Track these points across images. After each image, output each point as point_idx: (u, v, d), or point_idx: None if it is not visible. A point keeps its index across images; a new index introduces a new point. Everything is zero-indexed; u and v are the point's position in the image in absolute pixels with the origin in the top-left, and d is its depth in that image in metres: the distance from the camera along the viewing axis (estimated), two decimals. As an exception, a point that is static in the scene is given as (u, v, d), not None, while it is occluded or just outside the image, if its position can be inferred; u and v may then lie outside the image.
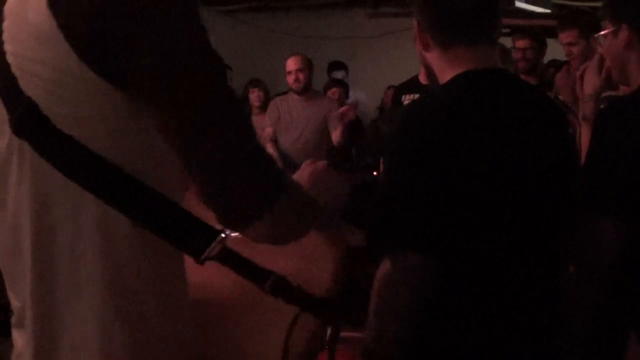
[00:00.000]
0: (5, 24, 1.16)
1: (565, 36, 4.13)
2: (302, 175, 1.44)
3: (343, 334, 2.74)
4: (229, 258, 1.22)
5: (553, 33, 6.29)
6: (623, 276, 2.01)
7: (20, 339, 1.25)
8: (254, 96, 6.30)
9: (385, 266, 1.73)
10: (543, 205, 1.84)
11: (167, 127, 1.09)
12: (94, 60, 1.05)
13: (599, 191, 1.98)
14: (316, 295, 1.33)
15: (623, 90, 2.61)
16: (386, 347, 1.78)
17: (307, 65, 5.51)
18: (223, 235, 1.19)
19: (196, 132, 1.08)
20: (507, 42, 4.79)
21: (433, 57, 1.86)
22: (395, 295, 1.72)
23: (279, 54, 7.68)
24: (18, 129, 1.12)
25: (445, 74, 1.82)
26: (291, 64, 5.45)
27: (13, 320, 1.28)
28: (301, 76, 5.43)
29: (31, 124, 1.10)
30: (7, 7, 1.18)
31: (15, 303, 1.24)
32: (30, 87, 1.10)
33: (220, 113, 1.09)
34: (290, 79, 5.44)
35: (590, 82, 2.74)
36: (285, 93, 6.54)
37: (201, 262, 1.20)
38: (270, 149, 5.56)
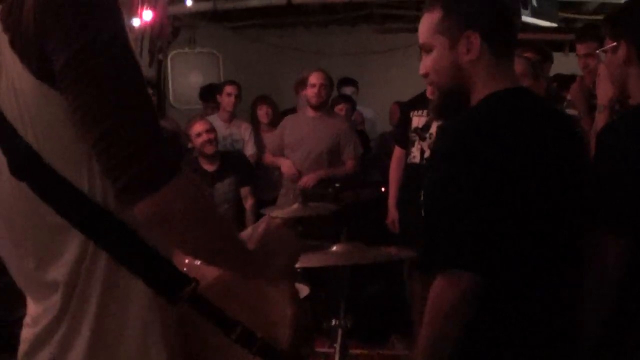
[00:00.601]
0: None
1: (584, 48, 4.13)
2: (256, 228, 1.49)
3: (352, 350, 2.74)
4: (199, 303, 1.32)
5: (559, 47, 6.31)
6: (627, 293, 2.01)
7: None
8: (262, 112, 6.31)
9: (437, 287, 1.73)
10: (577, 225, 1.90)
11: (79, 110, 1.18)
12: (32, 64, 1.20)
13: (600, 206, 1.99)
14: (278, 348, 1.37)
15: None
16: None
17: (330, 83, 5.54)
18: (194, 283, 1.30)
19: (102, 111, 1.17)
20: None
21: (479, 69, 1.85)
22: (446, 316, 1.72)
23: (285, 70, 7.74)
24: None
25: (488, 86, 1.85)
26: (316, 78, 5.42)
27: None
28: (324, 92, 5.43)
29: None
30: None
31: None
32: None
33: (124, 99, 1.18)
34: (312, 92, 5.41)
35: (603, 93, 2.76)
36: (292, 109, 6.56)
37: (174, 306, 1.31)
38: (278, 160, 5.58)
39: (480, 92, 1.86)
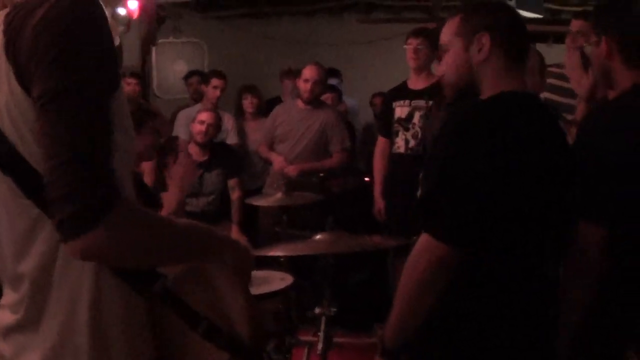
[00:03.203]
0: None
1: (578, 25, 4.10)
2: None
3: (336, 339, 2.76)
4: (169, 299, 1.36)
5: (543, 38, 6.34)
6: (610, 281, 2.06)
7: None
8: (248, 102, 6.30)
9: (418, 246, 1.84)
10: (563, 212, 1.97)
11: (40, 140, 1.22)
12: (21, 74, 1.24)
13: (581, 196, 2.03)
14: (243, 343, 1.40)
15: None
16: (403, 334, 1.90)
17: (324, 78, 5.52)
18: (163, 277, 1.34)
19: (54, 149, 1.20)
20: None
21: (488, 70, 2.02)
22: (419, 278, 1.83)
23: (271, 59, 7.72)
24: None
25: (496, 86, 2.00)
26: (310, 72, 5.38)
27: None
28: (317, 88, 5.40)
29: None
30: None
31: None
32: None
33: (78, 142, 1.20)
34: (305, 86, 5.37)
35: (578, 83, 2.80)
36: (277, 98, 6.56)
37: (147, 300, 1.36)
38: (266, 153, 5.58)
39: (487, 92, 2.00)
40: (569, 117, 3.44)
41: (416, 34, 4.87)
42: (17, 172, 1.29)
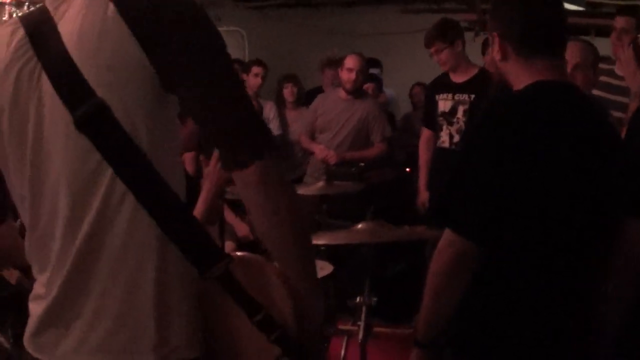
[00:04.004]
0: (63, 28, 1.35)
1: (623, 22, 4.03)
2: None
3: (375, 328, 2.77)
4: (230, 282, 1.37)
5: (585, 31, 6.25)
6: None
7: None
8: (288, 91, 6.30)
9: (443, 241, 1.85)
10: (599, 212, 1.92)
11: (193, 102, 1.37)
12: (151, 51, 1.31)
13: (628, 192, 2.00)
14: (296, 341, 1.40)
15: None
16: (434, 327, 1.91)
17: (366, 68, 5.51)
18: (228, 258, 1.37)
19: (214, 101, 1.37)
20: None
21: (509, 66, 1.98)
22: (445, 271, 1.85)
23: (309, 50, 7.71)
24: (81, 125, 1.31)
25: (521, 82, 1.94)
26: (353, 62, 5.37)
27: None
28: (359, 77, 5.39)
29: (97, 122, 1.31)
30: (62, 14, 1.37)
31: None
32: (96, 82, 1.31)
33: (228, 87, 1.40)
34: (348, 77, 5.37)
35: (632, 78, 2.74)
36: (317, 89, 6.56)
37: (204, 279, 1.36)
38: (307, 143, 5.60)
39: (516, 86, 1.98)
40: (616, 114, 3.37)
41: (427, 44, 4.84)
42: (98, 129, 1.32)
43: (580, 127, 1.91)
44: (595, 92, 3.71)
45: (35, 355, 1.42)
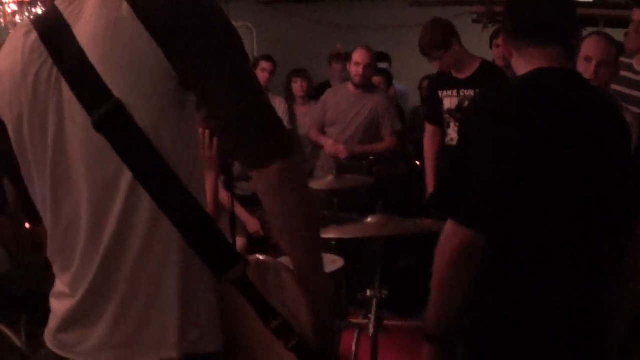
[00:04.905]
0: (77, 29, 1.35)
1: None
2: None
3: (386, 322, 2.76)
4: (247, 287, 1.36)
5: (594, 22, 6.21)
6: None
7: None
8: (297, 86, 6.30)
9: (445, 231, 1.84)
10: (602, 201, 1.89)
11: (212, 99, 1.35)
12: (167, 46, 1.30)
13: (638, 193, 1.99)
14: (313, 350, 1.39)
15: None
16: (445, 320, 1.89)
17: (374, 62, 5.48)
18: (244, 262, 1.36)
19: (236, 97, 1.35)
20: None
21: (514, 61, 2.01)
22: (449, 261, 1.84)
23: (319, 44, 7.70)
24: (99, 126, 1.31)
25: (520, 73, 1.96)
26: (361, 56, 5.35)
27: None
28: (368, 71, 5.38)
29: (115, 123, 1.31)
30: (75, 15, 1.37)
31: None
32: (113, 83, 1.31)
33: (248, 83, 1.39)
34: (357, 71, 5.35)
35: None
36: (326, 83, 6.54)
37: (220, 282, 1.36)
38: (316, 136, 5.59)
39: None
40: (632, 109, 3.33)
41: (424, 55, 4.76)
42: (115, 129, 1.32)
43: (577, 114, 1.88)
44: (614, 86, 3.64)
45: (55, 351, 1.43)
